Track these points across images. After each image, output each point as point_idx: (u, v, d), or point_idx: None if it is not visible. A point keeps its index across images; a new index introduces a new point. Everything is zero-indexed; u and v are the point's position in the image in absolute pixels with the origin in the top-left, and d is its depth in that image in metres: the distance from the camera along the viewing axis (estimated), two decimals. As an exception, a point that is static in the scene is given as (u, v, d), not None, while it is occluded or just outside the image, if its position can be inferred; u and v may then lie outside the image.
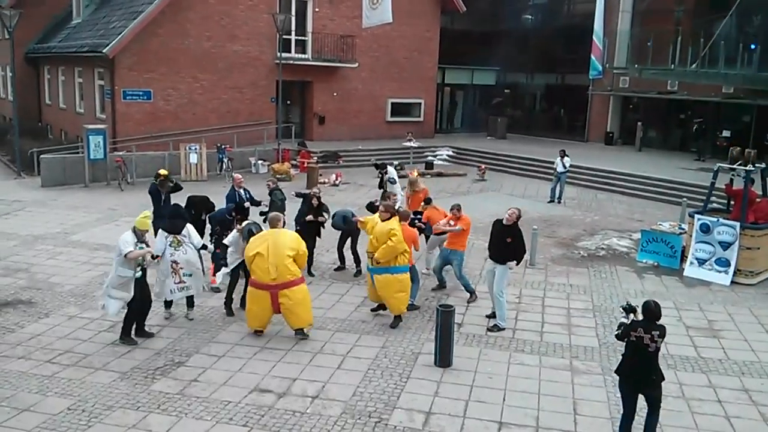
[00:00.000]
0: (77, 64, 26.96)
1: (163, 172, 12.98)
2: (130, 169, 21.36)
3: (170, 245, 9.57)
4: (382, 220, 9.96)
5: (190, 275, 9.74)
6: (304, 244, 9.60)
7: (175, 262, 9.56)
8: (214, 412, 7.50)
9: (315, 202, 12.30)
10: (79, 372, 8.38)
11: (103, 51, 22.65)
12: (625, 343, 6.88)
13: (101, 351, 9.01)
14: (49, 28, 31.53)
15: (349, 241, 12.55)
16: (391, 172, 15.93)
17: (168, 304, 10.14)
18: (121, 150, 22.47)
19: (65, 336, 9.47)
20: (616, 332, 6.97)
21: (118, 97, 23.49)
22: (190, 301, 10.19)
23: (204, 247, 10.10)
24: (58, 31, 30.58)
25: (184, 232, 9.75)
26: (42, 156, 21.40)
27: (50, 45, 29.75)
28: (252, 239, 9.53)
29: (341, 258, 12.77)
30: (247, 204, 12.16)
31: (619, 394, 7.10)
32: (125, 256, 8.84)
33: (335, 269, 12.74)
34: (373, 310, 10.59)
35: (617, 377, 7.04)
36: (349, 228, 12.00)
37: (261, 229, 10.00)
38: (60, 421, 7.22)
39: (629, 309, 6.98)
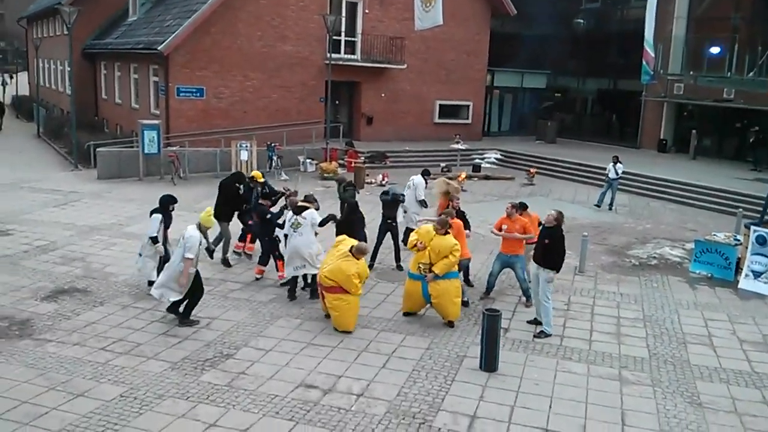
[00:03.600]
0: (133, 61, 27.60)
1: (256, 173, 13.13)
2: (182, 164, 21.78)
3: (291, 227, 10.52)
4: (440, 235, 9.97)
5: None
6: (366, 271, 9.93)
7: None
8: (260, 405, 7.60)
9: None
10: (131, 360, 8.58)
11: (158, 48, 23.14)
12: None
13: (153, 340, 9.21)
14: (106, 25, 32.39)
15: (389, 235, 12.73)
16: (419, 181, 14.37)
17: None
18: (174, 145, 22.96)
19: (119, 324, 9.71)
20: None
21: (172, 94, 23.97)
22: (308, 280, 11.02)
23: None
24: (115, 28, 31.38)
25: (305, 214, 10.60)
26: (98, 149, 22.00)
27: (107, 41, 30.54)
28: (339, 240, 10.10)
29: (374, 255, 12.75)
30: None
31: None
32: (187, 257, 9.32)
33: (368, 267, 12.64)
34: (405, 314, 10.55)
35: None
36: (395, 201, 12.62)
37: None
38: (113, 407, 7.40)
39: None
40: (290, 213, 10.84)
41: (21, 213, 16.15)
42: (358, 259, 9.71)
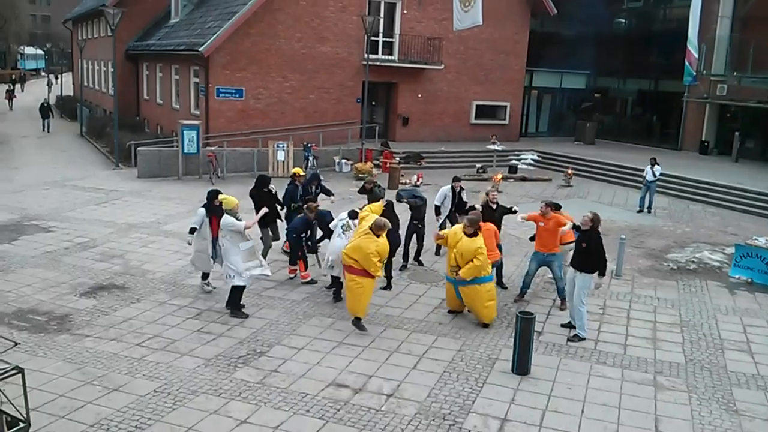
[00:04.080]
0: (174, 62, 28.07)
1: (297, 170, 13.47)
2: (221, 163, 22.07)
3: (342, 228, 10.66)
4: (467, 235, 9.89)
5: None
6: (386, 249, 9.78)
7: None
8: (291, 403, 7.67)
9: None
10: (166, 356, 8.73)
11: (199, 50, 23.47)
12: None
13: (188, 337, 9.36)
14: (149, 26, 32.99)
15: (415, 237, 12.87)
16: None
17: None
18: (213, 145, 23.29)
19: (155, 321, 9.89)
20: None
21: (212, 95, 24.30)
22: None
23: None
24: (157, 29, 31.94)
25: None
26: (139, 149, 22.42)
27: (149, 43, 31.11)
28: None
29: (405, 255, 12.87)
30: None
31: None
32: (245, 229, 9.95)
33: (400, 269, 12.67)
34: (450, 311, 10.60)
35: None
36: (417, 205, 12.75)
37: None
38: (147, 402, 7.55)
39: None
40: (344, 214, 10.89)
41: (63, 210, 16.56)
42: (378, 236, 9.63)
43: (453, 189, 13.56)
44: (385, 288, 11.44)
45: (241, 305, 10.27)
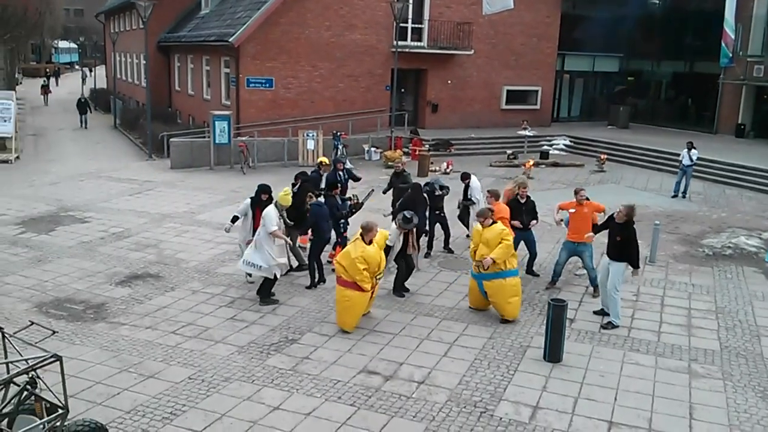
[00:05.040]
0: (205, 53, 28.28)
1: (323, 159, 13.50)
2: (251, 153, 22.23)
3: None
4: (486, 227, 9.81)
5: None
6: (374, 258, 9.32)
7: None
8: (323, 390, 7.73)
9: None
10: (200, 344, 8.86)
11: (229, 40, 23.61)
12: None
13: (221, 325, 9.49)
14: (180, 18, 33.27)
15: (439, 226, 12.95)
16: (474, 183, 13.64)
17: None
18: (244, 135, 23.45)
19: (188, 309, 10.04)
20: None
21: (243, 85, 24.44)
22: None
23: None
24: (188, 21, 32.21)
25: None
26: (171, 140, 22.69)
27: (180, 34, 31.39)
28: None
29: (430, 243, 12.98)
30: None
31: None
32: (270, 230, 9.94)
33: (424, 256, 12.68)
34: (471, 308, 10.42)
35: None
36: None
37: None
38: (181, 389, 7.68)
39: None
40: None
41: (98, 201, 16.86)
42: (366, 240, 9.33)
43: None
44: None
45: (272, 293, 10.36)
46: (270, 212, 10.11)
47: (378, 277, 9.53)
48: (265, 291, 10.33)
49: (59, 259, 12.20)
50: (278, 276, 10.27)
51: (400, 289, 10.82)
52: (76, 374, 7.83)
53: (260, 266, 10.09)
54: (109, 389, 7.60)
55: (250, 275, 10.94)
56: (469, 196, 13.52)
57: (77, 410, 6.84)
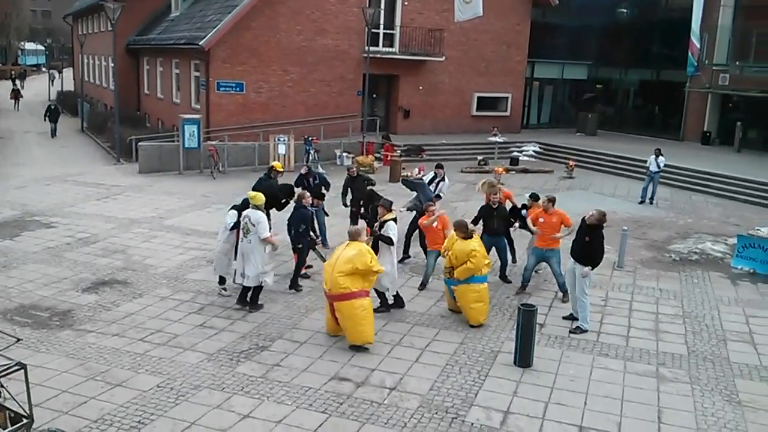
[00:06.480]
0: (175, 56, 28.00)
1: (276, 164, 13.21)
2: (222, 157, 22.04)
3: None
4: (462, 239, 9.83)
5: None
6: (373, 261, 8.96)
7: None
8: (294, 397, 7.67)
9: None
10: (168, 351, 8.74)
11: (200, 43, 23.40)
12: None
13: (190, 332, 9.37)
14: (149, 20, 32.91)
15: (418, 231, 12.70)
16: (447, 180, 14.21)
17: None
18: (214, 139, 23.24)
19: (157, 316, 9.90)
20: None
21: (213, 89, 24.25)
22: None
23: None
24: (158, 23, 31.87)
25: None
26: (140, 143, 22.40)
27: (150, 37, 31.05)
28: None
29: (406, 247, 12.86)
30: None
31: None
32: (263, 239, 9.87)
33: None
34: (450, 310, 10.51)
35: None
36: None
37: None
38: (150, 397, 7.56)
39: None
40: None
41: (65, 206, 16.57)
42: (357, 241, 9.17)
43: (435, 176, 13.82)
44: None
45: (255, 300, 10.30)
46: (262, 218, 9.95)
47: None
48: (254, 298, 10.24)
49: (24, 265, 11.95)
50: (270, 283, 10.20)
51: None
52: (42, 383, 7.65)
53: (250, 276, 9.93)
54: (76, 398, 7.45)
55: (225, 288, 10.77)
56: (438, 192, 13.58)
57: (43, 419, 6.70)
